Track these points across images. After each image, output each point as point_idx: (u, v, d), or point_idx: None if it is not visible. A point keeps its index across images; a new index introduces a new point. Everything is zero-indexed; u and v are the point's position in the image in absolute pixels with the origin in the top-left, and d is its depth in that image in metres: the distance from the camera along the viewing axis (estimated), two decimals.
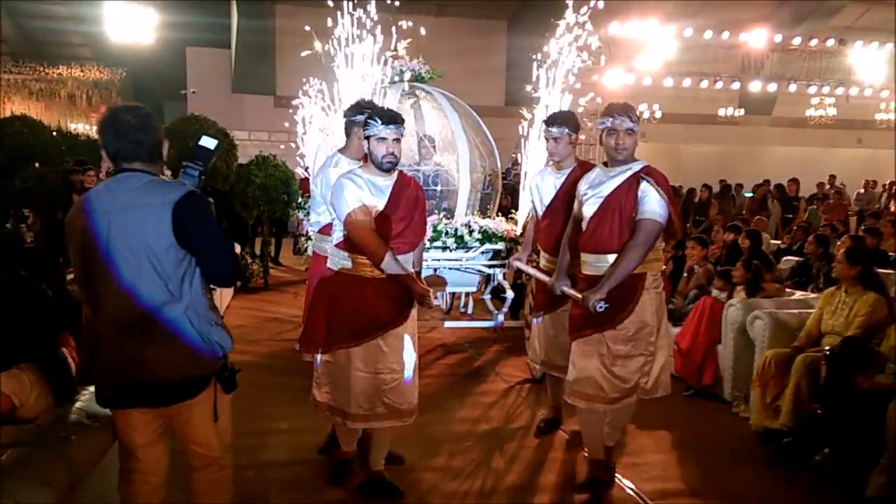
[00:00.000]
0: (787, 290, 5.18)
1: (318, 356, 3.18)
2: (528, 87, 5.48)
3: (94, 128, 17.69)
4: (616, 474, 3.54)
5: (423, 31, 6.07)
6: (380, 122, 3.02)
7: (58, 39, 20.75)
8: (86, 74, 19.30)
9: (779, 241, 8.52)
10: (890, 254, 6.17)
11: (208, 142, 2.25)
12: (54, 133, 10.28)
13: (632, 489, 3.46)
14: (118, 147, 2.16)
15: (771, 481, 3.57)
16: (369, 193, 3.04)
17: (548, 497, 3.39)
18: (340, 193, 3.03)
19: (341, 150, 3.73)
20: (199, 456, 2.33)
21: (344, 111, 3.74)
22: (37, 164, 8.95)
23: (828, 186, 15.67)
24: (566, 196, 3.76)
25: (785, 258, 6.86)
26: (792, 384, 3.79)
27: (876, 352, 3.53)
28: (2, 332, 2.51)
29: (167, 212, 2.08)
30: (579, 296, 3.24)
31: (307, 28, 6.09)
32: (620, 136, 3.18)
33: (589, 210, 3.31)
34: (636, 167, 3.22)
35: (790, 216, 10.91)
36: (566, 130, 3.80)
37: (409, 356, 3.16)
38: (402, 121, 3.11)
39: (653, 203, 3.13)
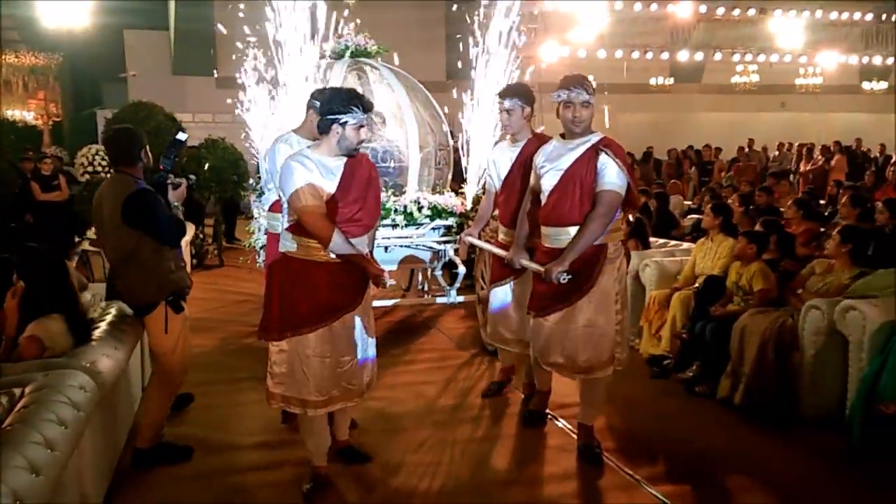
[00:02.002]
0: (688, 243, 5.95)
1: (271, 345, 3.05)
2: (470, 59, 5.36)
3: (32, 114, 17.48)
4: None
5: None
6: (361, 109, 2.93)
7: None
8: (21, 60, 18.94)
9: (689, 202, 9.43)
10: (783, 210, 6.97)
11: (182, 136, 2.96)
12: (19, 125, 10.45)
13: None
14: (110, 157, 3.40)
15: (654, 393, 4.32)
16: (320, 175, 2.91)
17: (511, 462, 3.49)
18: (289, 176, 2.90)
19: (295, 130, 3.61)
20: (154, 352, 3.47)
21: (312, 92, 3.65)
22: None
23: (747, 150, 16.77)
24: (522, 169, 3.74)
25: (690, 216, 7.73)
26: (669, 317, 4.61)
27: (725, 286, 4.36)
28: (35, 291, 3.13)
29: (119, 204, 3.17)
30: (540, 269, 3.24)
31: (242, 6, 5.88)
32: (577, 109, 3.18)
33: (548, 183, 3.31)
34: (594, 139, 3.23)
35: (706, 179, 11.86)
36: (519, 102, 3.75)
37: (365, 338, 3.12)
38: (374, 107, 3.12)
39: (612, 175, 3.15)
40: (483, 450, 3.58)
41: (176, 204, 3.42)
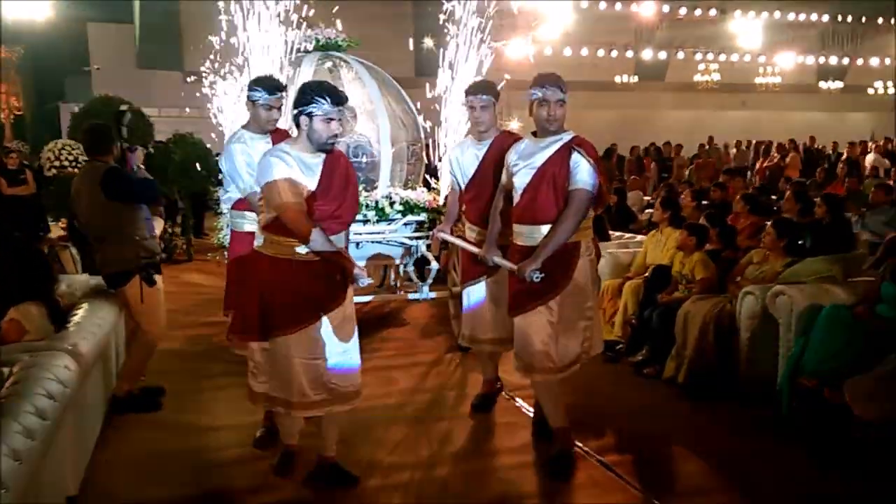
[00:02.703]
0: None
1: (253, 345, 3.01)
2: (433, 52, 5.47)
3: None
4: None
5: None
6: (329, 101, 2.84)
7: None
8: None
9: (648, 198, 9.80)
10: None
11: (123, 107, 3.27)
12: None
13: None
14: (86, 148, 4.01)
15: (606, 376, 4.57)
16: (299, 171, 2.86)
17: (493, 460, 3.50)
18: (268, 171, 2.84)
19: (244, 126, 3.55)
20: (134, 318, 3.97)
21: (248, 83, 3.57)
22: None
23: (707, 147, 17.28)
24: (490, 167, 3.72)
25: (647, 211, 8.07)
26: (621, 304, 4.91)
27: (671, 275, 4.67)
28: (14, 279, 3.29)
29: (98, 182, 3.70)
30: (514, 266, 3.25)
31: None
32: (552, 107, 3.19)
33: (520, 181, 3.30)
34: (566, 137, 3.24)
35: (666, 175, 12.27)
36: (491, 98, 3.73)
37: (350, 337, 3.06)
38: (346, 99, 3.01)
39: (584, 173, 3.16)
40: (454, 439, 3.69)
41: (140, 166, 4.00)
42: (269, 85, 3.42)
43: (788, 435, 3.57)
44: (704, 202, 8.96)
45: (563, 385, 3.42)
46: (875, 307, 3.63)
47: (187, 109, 12.15)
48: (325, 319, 2.95)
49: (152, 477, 3.31)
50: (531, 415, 3.81)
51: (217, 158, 9.09)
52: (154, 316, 4.00)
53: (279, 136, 3.44)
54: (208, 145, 9.17)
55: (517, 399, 4.14)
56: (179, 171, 8.83)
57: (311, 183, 2.89)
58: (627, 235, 6.30)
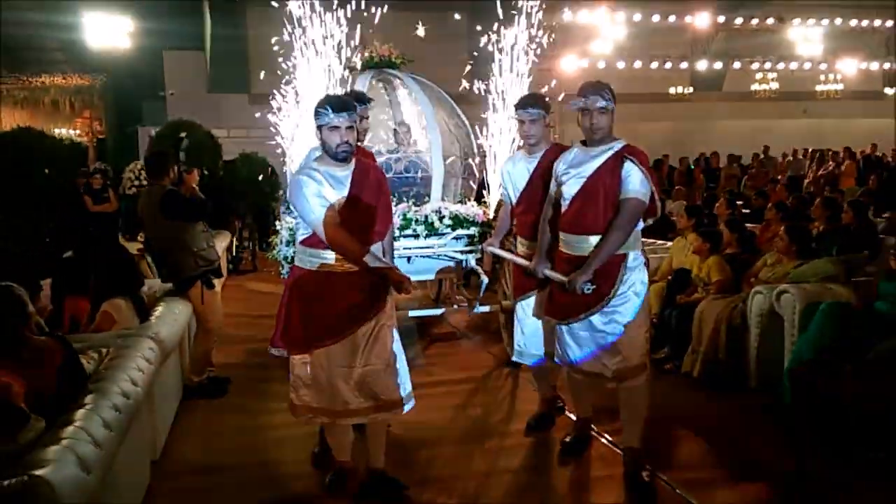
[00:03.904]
0: None
1: (293, 358, 3.05)
2: (486, 78, 5.54)
3: (78, 132, 18.40)
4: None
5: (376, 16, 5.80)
6: (330, 110, 2.89)
7: (31, 45, 21.40)
8: (67, 81, 19.97)
9: None
10: None
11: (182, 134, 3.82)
12: (65, 142, 11.43)
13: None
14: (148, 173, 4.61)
15: None
16: (329, 187, 2.92)
17: (545, 477, 3.48)
18: (300, 191, 2.90)
19: (316, 159, 3.42)
20: (197, 316, 4.52)
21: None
22: (46, 171, 10.15)
23: (762, 156, 17.16)
24: (541, 180, 3.69)
25: None
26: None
27: (691, 278, 4.99)
28: (107, 278, 3.93)
29: (157, 204, 4.30)
30: (564, 279, 3.21)
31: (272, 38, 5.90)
32: (594, 116, 3.15)
33: (569, 190, 3.27)
34: (617, 146, 3.20)
35: (713, 185, 12.39)
36: (541, 112, 3.70)
37: (390, 347, 3.05)
38: (355, 107, 3.00)
39: (636, 183, 3.10)
40: (506, 456, 3.62)
41: (194, 186, 4.60)
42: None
43: (790, 421, 3.85)
44: (746, 211, 9.18)
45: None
46: (873, 304, 3.89)
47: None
48: (365, 328, 2.97)
49: (220, 447, 3.85)
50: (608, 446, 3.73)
51: (276, 175, 9.90)
52: (213, 314, 4.62)
53: (361, 154, 3.44)
54: (271, 164, 9.89)
55: (603, 436, 3.87)
56: (245, 188, 9.58)
57: (341, 195, 2.94)
58: (659, 242, 6.59)
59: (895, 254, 3.76)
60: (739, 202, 10.00)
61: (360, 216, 2.97)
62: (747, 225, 6.52)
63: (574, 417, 3.81)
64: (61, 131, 18.80)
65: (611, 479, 3.37)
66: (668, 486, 3.24)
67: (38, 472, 1.86)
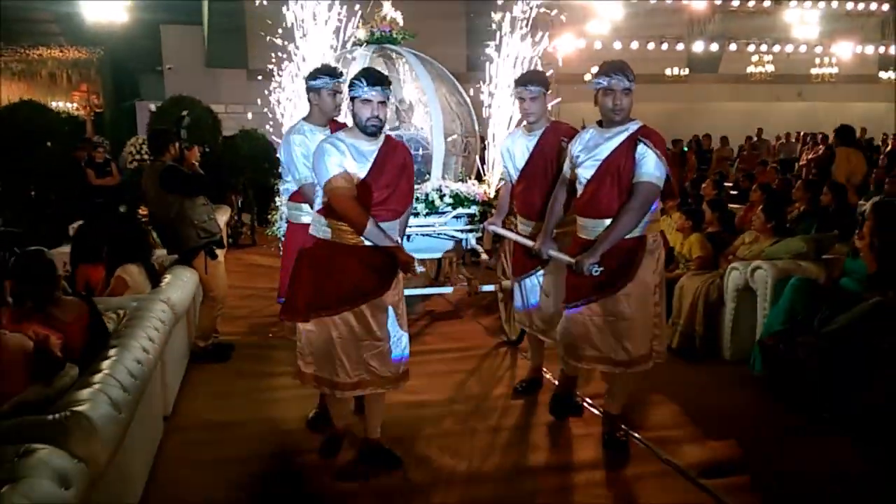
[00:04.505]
0: None
1: (300, 326, 3.09)
2: (487, 50, 5.55)
3: (75, 105, 18.44)
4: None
5: None
6: (365, 83, 2.90)
7: (27, 17, 21.32)
8: (65, 54, 19.93)
9: None
10: None
11: (184, 112, 4.36)
12: (63, 115, 11.55)
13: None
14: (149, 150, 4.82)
15: None
16: (351, 158, 2.92)
17: (540, 455, 3.47)
18: (321, 158, 2.92)
19: (305, 118, 3.59)
20: (203, 285, 4.75)
21: (305, 76, 3.63)
22: (48, 144, 10.30)
23: (755, 139, 17.38)
24: (541, 158, 3.68)
25: None
26: None
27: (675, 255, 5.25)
28: (120, 245, 4.16)
29: (157, 178, 4.53)
30: (571, 260, 3.18)
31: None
32: (618, 97, 3.09)
33: (585, 173, 3.22)
34: (633, 128, 3.15)
35: (704, 167, 12.64)
36: (541, 89, 3.67)
37: (394, 326, 3.09)
38: (389, 83, 3.01)
39: (650, 165, 3.06)
40: (508, 439, 3.64)
41: (194, 162, 4.79)
42: (331, 71, 3.51)
43: (759, 388, 4.14)
44: (735, 192, 9.44)
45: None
46: (839, 280, 4.15)
47: (244, 111, 13.02)
48: (371, 304, 3.00)
49: (225, 406, 4.12)
50: (588, 408, 3.89)
51: (275, 150, 10.08)
52: (217, 282, 4.89)
53: (337, 127, 3.48)
54: (271, 139, 10.06)
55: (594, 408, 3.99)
56: (245, 164, 9.77)
57: (363, 170, 2.95)
58: None
59: (859, 234, 4.00)
60: (729, 184, 10.28)
61: (377, 193, 2.96)
62: (733, 206, 6.80)
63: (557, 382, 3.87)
64: (59, 104, 18.80)
65: (589, 436, 3.59)
66: (640, 444, 3.51)
67: (78, 409, 2.12)
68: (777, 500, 3.04)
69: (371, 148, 2.99)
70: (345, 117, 3.70)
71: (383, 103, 2.97)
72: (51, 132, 10.90)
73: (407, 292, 3.20)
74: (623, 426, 3.53)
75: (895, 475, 3.19)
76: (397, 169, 3.03)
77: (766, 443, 3.53)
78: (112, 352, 2.74)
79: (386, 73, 5.87)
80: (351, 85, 2.96)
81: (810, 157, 14.91)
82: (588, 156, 3.22)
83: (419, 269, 3.10)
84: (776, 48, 22.14)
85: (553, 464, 3.38)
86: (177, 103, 10.82)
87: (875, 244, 3.89)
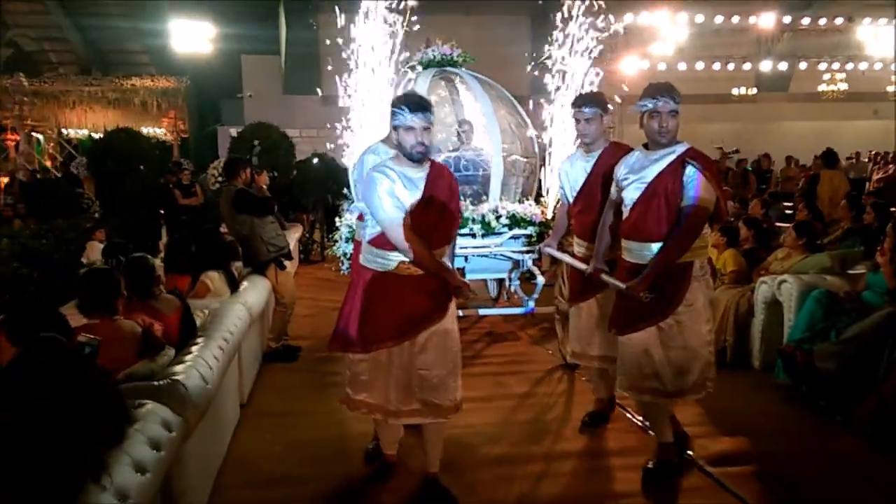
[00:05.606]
0: None
1: (352, 354, 3.09)
2: (549, 73, 5.57)
3: (163, 131, 19.83)
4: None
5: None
6: (407, 110, 2.86)
7: (121, 49, 23.05)
8: (155, 84, 21.47)
9: None
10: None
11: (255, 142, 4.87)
12: (152, 140, 12.65)
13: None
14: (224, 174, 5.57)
15: None
16: (402, 186, 2.90)
17: (597, 481, 3.41)
18: (373, 188, 2.90)
19: (383, 140, 3.60)
20: (275, 293, 5.33)
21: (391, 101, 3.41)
22: (141, 167, 11.33)
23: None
24: (598, 179, 3.63)
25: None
26: None
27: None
28: (207, 255, 4.82)
29: (230, 201, 5.16)
30: (622, 285, 3.13)
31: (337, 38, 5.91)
32: (664, 119, 3.04)
33: (631, 195, 3.19)
34: (680, 150, 3.09)
35: (764, 186, 12.67)
36: (598, 111, 3.62)
37: (449, 352, 3.04)
38: (431, 108, 2.96)
39: (699, 188, 3.00)
40: (563, 465, 3.58)
41: (262, 186, 5.50)
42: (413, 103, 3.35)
43: (781, 394, 4.40)
44: (790, 211, 9.51)
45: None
46: (862, 293, 4.38)
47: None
48: (428, 332, 2.96)
49: (293, 398, 4.67)
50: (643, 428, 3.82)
51: (344, 173, 10.74)
52: (286, 290, 5.48)
53: None
54: (340, 162, 10.74)
55: (628, 412, 4.15)
56: (316, 185, 10.50)
57: (414, 197, 2.92)
58: None
59: (881, 249, 4.23)
60: (788, 203, 10.33)
61: (431, 219, 2.95)
62: (781, 224, 7.00)
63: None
64: (150, 130, 20.21)
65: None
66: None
67: (176, 378, 2.68)
68: (779, 490, 3.32)
69: (419, 175, 2.96)
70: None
71: (427, 129, 2.92)
72: (143, 157, 11.99)
73: (462, 313, 3.33)
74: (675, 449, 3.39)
75: None
76: (446, 193, 3.02)
77: (775, 440, 3.80)
78: (200, 340, 3.32)
79: (447, 95, 6.25)
80: (393, 113, 2.93)
81: (880, 176, 14.64)
82: (634, 178, 3.19)
83: (470, 295, 3.10)
84: (849, 66, 21.71)
85: (610, 492, 3.31)
86: (255, 129, 11.72)
87: (895, 260, 4.12)
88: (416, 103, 2.92)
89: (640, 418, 3.91)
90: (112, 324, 2.98)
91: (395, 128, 2.94)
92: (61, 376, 1.88)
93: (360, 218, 3.68)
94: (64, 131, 19.24)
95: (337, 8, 5.85)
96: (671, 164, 3.09)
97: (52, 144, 18.80)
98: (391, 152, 3.32)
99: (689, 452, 3.53)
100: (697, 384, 3.18)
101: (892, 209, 9.86)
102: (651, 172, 3.13)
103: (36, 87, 18.11)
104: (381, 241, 2.97)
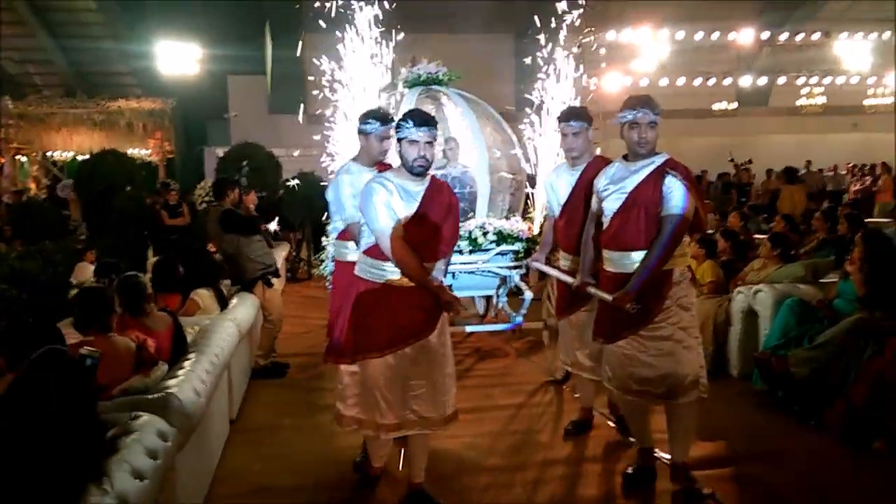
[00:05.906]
0: None
1: (343, 368, 3.10)
2: (534, 90, 5.64)
3: (149, 152, 19.85)
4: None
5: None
6: (412, 123, 2.92)
7: (107, 72, 23.11)
8: (140, 105, 21.48)
9: None
10: None
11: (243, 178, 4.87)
12: (137, 162, 12.69)
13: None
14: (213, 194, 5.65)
15: None
16: (399, 199, 2.94)
17: (587, 492, 3.44)
18: (369, 199, 2.93)
19: (354, 159, 3.64)
20: (262, 310, 5.38)
21: (359, 119, 3.62)
22: (128, 188, 11.37)
23: (803, 171, 17.43)
24: (583, 192, 3.68)
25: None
26: None
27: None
28: (196, 273, 4.88)
29: (217, 220, 5.25)
30: (609, 297, 3.18)
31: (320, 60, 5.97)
32: (643, 130, 3.11)
33: (611, 206, 3.24)
34: (659, 161, 3.16)
35: (744, 199, 12.94)
36: (584, 125, 3.72)
37: (440, 366, 3.07)
38: (435, 124, 3.03)
39: (679, 198, 3.07)
40: (554, 477, 3.61)
41: (249, 206, 5.63)
42: (381, 116, 3.53)
43: (758, 399, 4.54)
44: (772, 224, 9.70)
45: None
46: (833, 301, 4.54)
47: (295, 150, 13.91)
48: (416, 345, 2.99)
49: (281, 413, 4.75)
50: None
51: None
52: (274, 307, 5.60)
53: (383, 169, 3.46)
54: (326, 181, 10.83)
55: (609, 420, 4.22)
56: (301, 205, 10.60)
57: (410, 210, 2.96)
58: None
59: (850, 259, 4.39)
60: (765, 214, 10.54)
61: (424, 233, 2.99)
62: (759, 236, 7.18)
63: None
64: (135, 151, 20.17)
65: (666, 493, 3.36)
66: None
67: (170, 391, 2.77)
68: (755, 490, 3.45)
69: (418, 188, 3.02)
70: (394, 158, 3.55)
71: (430, 143, 3.00)
72: (130, 178, 12.02)
73: (453, 329, 3.26)
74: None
75: (872, 474, 3.56)
76: (444, 209, 3.06)
77: (752, 443, 3.92)
78: (191, 355, 3.41)
79: (433, 113, 5.90)
80: (398, 126, 3.01)
81: (857, 188, 14.98)
82: (614, 188, 3.25)
83: (461, 311, 3.30)
84: (827, 80, 22.17)
85: (593, 497, 3.38)
86: (241, 149, 11.80)
87: (863, 269, 4.28)
88: (420, 118, 3.00)
89: (617, 424, 4.05)
90: (107, 340, 3.08)
91: (399, 140, 3.02)
92: (63, 387, 1.97)
93: (341, 238, 3.71)
94: (49, 154, 19.19)
95: (323, 25, 5.89)
96: (651, 175, 3.16)
97: (35, 167, 18.76)
98: (364, 169, 3.46)
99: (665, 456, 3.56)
100: (687, 386, 3.19)
101: (866, 220, 10.24)
102: (631, 183, 3.20)
103: (20, 109, 18.08)
104: (377, 252, 3.01)
